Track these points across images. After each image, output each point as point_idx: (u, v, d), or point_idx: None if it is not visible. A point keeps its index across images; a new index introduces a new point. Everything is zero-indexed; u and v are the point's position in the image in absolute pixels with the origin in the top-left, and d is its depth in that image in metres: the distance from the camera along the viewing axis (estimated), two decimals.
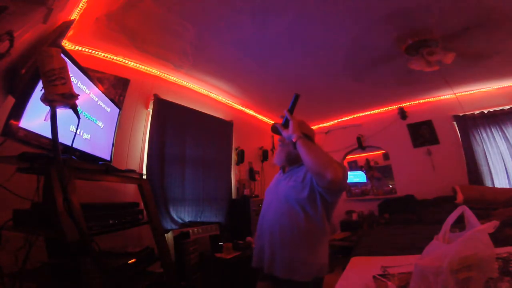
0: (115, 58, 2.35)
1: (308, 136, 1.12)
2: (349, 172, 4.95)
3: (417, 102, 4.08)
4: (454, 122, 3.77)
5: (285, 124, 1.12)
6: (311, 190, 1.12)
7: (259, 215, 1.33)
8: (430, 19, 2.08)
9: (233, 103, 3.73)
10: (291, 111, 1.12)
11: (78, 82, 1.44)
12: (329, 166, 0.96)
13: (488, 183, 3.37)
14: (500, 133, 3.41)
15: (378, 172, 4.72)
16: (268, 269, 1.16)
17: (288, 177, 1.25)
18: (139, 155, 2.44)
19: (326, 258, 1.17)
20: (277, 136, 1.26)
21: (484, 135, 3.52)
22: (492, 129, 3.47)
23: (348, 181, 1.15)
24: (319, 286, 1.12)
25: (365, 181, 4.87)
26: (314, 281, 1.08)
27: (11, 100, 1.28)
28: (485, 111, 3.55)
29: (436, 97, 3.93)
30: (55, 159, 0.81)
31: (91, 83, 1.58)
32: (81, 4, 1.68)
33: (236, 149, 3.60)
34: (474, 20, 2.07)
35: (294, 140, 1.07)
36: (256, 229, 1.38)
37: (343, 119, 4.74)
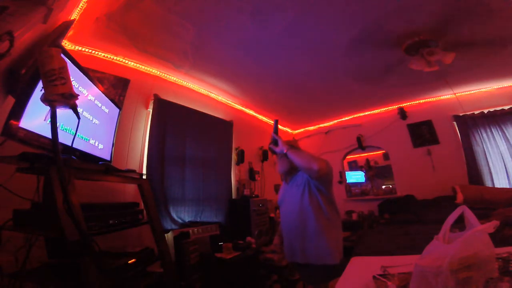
0: (115, 58, 2.35)
1: (293, 146, 1.46)
2: (349, 172, 4.97)
3: (417, 102, 4.08)
4: (454, 122, 3.77)
5: (275, 143, 1.47)
6: (309, 189, 1.42)
7: (281, 222, 1.64)
8: (430, 20, 2.08)
9: (233, 103, 3.73)
10: (276, 132, 1.50)
11: (79, 86, 1.44)
12: (314, 160, 1.32)
13: (488, 183, 3.37)
14: (500, 133, 3.41)
15: (374, 170, 4.70)
16: (302, 260, 1.45)
17: (291, 185, 1.56)
18: (139, 155, 2.44)
19: (341, 242, 1.49)
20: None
21: (484, 135, 3.52)
22: (492, 129, 3.47)
23: (332, 171, 1.46)
24: (344, 265, 1.31)
25: (365, 181, 4.87)
26: (340, 262, 1.38)
27: (11, 100, 1.28)
28: (485, 111, 3.55)
29: (436, 97, 3.94)
30: (55, 159, 0.81)
31: (91, 83, 1.58)
32: (81, 4, 1.68)
33: (236, 149, 3.60)
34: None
35: (285, 151, 1.40)
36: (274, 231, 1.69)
37: (343, 119, 4.74)
